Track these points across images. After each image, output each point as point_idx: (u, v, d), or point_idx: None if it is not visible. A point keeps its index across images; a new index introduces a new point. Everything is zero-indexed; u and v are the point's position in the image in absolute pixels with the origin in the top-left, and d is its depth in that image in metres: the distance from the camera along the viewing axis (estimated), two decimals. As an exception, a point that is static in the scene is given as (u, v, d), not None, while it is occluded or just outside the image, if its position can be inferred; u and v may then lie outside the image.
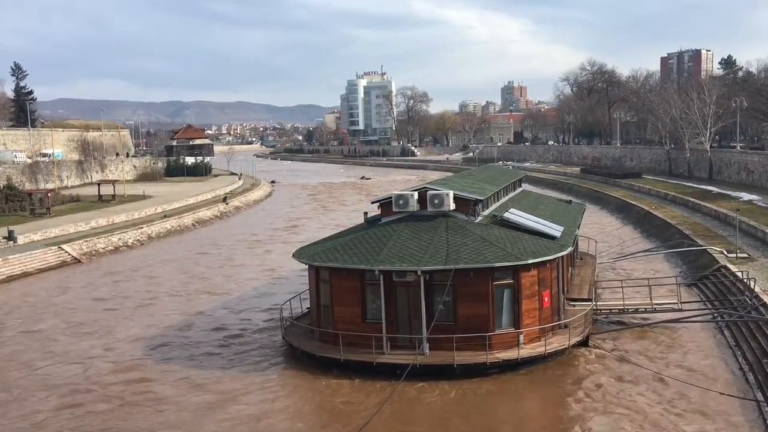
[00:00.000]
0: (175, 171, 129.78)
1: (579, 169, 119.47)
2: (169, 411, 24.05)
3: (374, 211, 33.21)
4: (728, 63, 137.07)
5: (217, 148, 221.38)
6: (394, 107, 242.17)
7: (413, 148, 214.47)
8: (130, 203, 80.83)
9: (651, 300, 32.20)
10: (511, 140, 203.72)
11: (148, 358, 29.79)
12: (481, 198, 31.50)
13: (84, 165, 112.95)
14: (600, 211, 74.55)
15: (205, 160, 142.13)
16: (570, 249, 31.15)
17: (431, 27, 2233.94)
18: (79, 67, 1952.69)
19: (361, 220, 34.85)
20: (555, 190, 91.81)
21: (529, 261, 27.07)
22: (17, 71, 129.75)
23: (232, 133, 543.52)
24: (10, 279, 46.95)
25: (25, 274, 48.24)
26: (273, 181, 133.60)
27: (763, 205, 58.47)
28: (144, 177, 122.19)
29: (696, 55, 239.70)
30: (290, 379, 26.89)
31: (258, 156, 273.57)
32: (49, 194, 74.71)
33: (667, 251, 47.72)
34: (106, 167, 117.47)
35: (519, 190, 45.44)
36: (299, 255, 30.44)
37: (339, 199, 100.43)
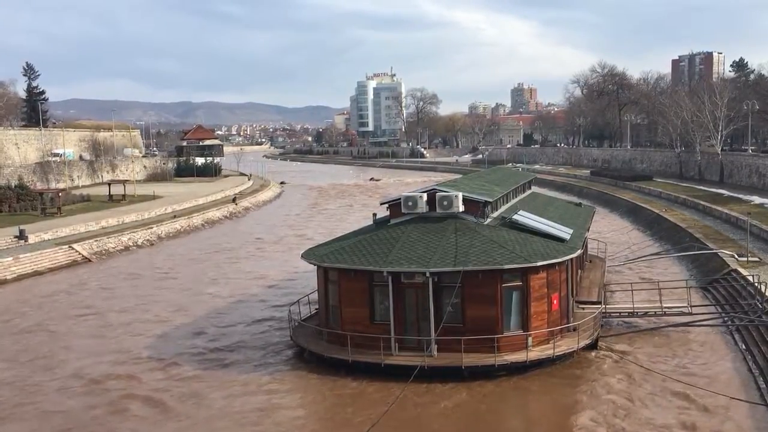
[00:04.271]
0: (185, 171, 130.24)
1: (589, 171, 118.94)
2: (175, 410, 24.12)
3: (383, 212, 33.21)
4: (740, 65, 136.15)
5: (226, 149, 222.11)
6: (403, 108, 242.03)
7: (422, 149, 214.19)
8: (140, 203, 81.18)
9: (661, 303, 32.00)
10: (521, 142, 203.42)
11: (154, 357, 29.84)
12: (491, 200, 31.43)
13: (95, 165, 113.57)
14: (610, 214, 74.24)
15: (215, 161, 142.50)
16: (579, 251, 31.07)
17: (440, 29, 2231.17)
18: (91, 68, 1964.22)
19: (369, 221, 34.85)
20: (565, 193, 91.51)
21: (538, 263, 27.01)
22: (29, 71, 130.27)
23: (241, 133, 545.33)
24: (21, 278, 47.24)
25: (36, 273, 48.52)
26: (282, 182, 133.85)
27: (775, 208, 58.10)
28: (154, 177, 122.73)
29: (707, 57, 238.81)
30: (298, 379, 26.90)
31: (267, 157, 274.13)
32: (59, 194, 75.11)
33: (677, 254, 47.50)
34: (116, 167, 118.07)
35: (528, 192, 45.32)
36: (308, 255, 30.49)
37: (348, 201, 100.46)
